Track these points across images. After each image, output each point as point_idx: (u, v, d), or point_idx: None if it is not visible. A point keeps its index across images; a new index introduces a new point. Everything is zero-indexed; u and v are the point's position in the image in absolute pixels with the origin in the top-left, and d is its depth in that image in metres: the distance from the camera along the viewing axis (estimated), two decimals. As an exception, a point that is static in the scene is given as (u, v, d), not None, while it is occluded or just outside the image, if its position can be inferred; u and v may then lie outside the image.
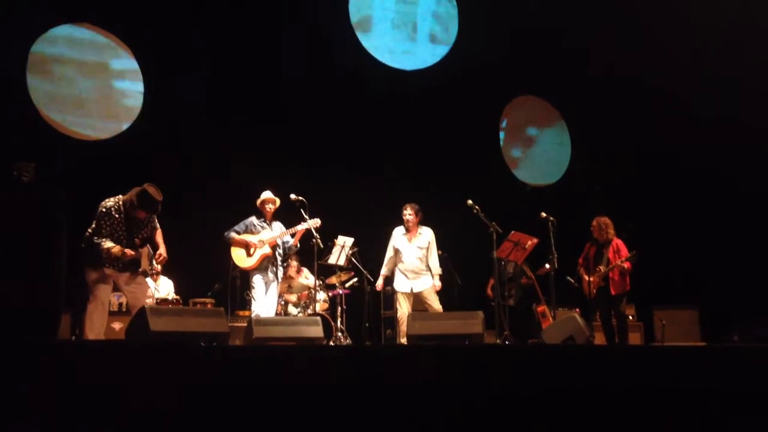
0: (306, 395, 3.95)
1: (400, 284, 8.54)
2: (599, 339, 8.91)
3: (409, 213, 8.52)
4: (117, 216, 6.37)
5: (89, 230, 6.41)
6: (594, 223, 8.71)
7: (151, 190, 6.42)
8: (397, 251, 8.57)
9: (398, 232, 8.64)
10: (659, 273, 10.16)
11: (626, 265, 8.40)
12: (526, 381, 4.45)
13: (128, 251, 6.30)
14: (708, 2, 11.06)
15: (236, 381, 3.90)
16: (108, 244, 6.25)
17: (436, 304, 8.46)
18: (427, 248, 8.54)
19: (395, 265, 8.57)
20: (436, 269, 8.56)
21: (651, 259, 8.84)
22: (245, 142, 9.93)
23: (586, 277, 8.59)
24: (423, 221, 8.64)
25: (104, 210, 6.37)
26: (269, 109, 10.25)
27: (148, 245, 6.68)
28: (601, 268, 8.50)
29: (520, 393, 4.33)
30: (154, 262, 6.73)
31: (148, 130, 9.78)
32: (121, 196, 6.47)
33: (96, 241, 6.27)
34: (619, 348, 7.46)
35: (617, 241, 8.61)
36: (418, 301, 8.52)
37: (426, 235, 8.59)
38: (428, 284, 8.47)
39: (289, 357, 4.37)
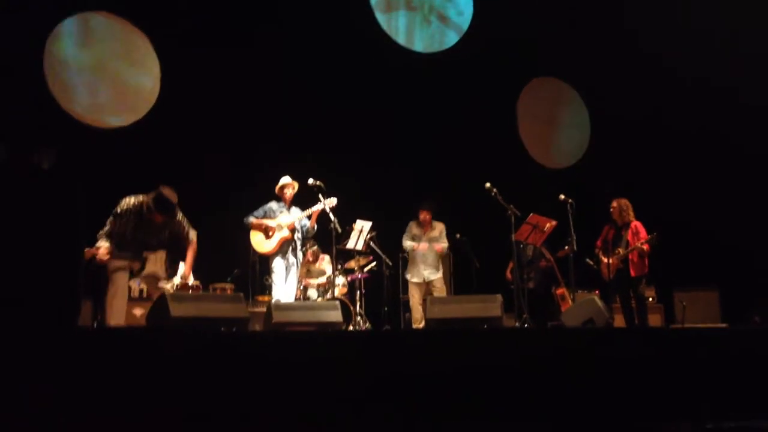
0: (329, 379, 3.97)
1: (414, 274, 9.28)
2: (619, 321, 8.88)
3: (423, 215, 9.35)
4: (130, 217, 6.41)
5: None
6: (614, 204, 8.64)
7: (166, 191, 6.44)
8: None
9: (413, 224, 9.46)
10: (679, 254, 10.09)
11: (645, 247, 8.34)
12: (546, 363, 4.45)
13: (101, 254, 6.26)
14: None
15: (257, 366, 3.93)
16: (101, 241, 6.31)
17: (443, 293, 9.18)
18: (438, 240, 9.34)
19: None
20: (443, 243, 9.38)
21: (671, 239, 8.77)
22: (263, 127, 9.93)
23: (605, 260, 8.54)
24: (439, 212, 9.51)
25: (119, 211, 6.43)
26: (286, 93, 10.21)
27: (164, 252, 6.64)
28: (621, 250, 8.45)
29: (539, 375, 4.33)
30: (165, 267, 6.69)
31: (166, 116, 9.79)
32: (142, 197, 6.49)
33: (98, 235, 6.36)
34: (638, 330, 7.44)
35: (636, 223, 8.55)
36: (427, 289, 9.23)
37: (438, 229, 9.43)
38: (438, 274, 9.26)
39: (309, 342, 4.39)
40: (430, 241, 9.26)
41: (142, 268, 6.51)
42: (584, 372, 4.31)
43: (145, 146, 9.40)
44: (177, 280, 9.05)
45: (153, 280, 6.64)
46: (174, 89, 9.92)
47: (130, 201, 6.45)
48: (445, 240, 9.37)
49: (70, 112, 9.45)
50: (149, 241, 6.54)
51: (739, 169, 10.95)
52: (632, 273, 8.43)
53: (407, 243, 9.36)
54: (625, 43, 11.55)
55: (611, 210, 8.64)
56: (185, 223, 6.73)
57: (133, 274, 6.53)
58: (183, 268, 6.83)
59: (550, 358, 4.51)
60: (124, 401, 3.35)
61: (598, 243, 8.73)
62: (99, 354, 3.46)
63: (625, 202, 8.64)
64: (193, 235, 6.75)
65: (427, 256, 9.23)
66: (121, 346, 3.55)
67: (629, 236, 8.44)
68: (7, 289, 4.20)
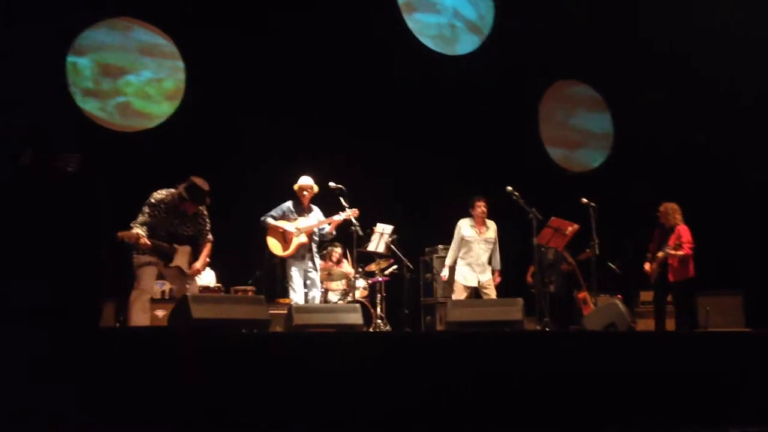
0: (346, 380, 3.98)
1: (467, 277, 8.58)
2: (647, 325, 8.85)
3: (482, 207, 8.59)
4: (163, 207, 6.49)
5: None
6: (662, 208, 8.52)
7: (198, 181, 6.55)
8: (465, 245, 8.61)
9: (465, 223, 8.70)
10: (703, 258, 10.00)
11: (681, 252, 8.22)
12: (567, 366, 4.43)
13: (143, 240, 6.28)
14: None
15: (277, 366, 3.94)
16: (136, 229, 6.33)
17: (494, 294, 8.52)
18: (494, 243, 8.66)
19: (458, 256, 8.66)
20: (498, 266, 8.68)
21: (694, 243, 8.69)
22: (285, 128, 9.96)
23: (648, 265, 8.46)
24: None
25: (153, 201, 6.50)
26: (309, 93, 10.23)
27: (189, 247, 6.70)
28: (661, 254, 8.35)
29: (561, 378, 4.31)
30: (189, 262, 6.72)
31: (188, 118, 9.87)
32: (173, 190, 6.58)
33: (131, 225, 6.40)
34: (660, 334, 7.38)
35: (681, 227, 8.41)
36: (476, 292, 8.57)
37: (492, 229, 8.69)
38: (489, 276, 8.57)
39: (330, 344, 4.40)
40: (486, 242, 8.60)
41: (170, 260, 6.56)
42: (606, 376, 4.29)
43: (166, 148, 9.47)
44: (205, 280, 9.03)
45: (179, 273, 6.66)
46: (197, 91, 9.99)
47: (162, 192, 6.57)
48: (498, 247, 8.71)
49: (92, 117, 9.55)
50: (180, 232, 6.61)
51: (765, 173, 10.84)
52: (671, 278, 8.32)
53: (446, 267, 8.74)
54: (648, 45, 11.50)
55: (658, 213, 8.54)
56: (208, 221, 6.81)
57: (165, 260, 6.53)
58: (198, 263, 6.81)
59: (572, 361, 4.49)
60: (144, 402, 3.38)
61: (650, 246, 8.63)
62: (121, 354, 3.49)
63: (672, 205, 8.52)
64: (211, 237, 6.82)
65: (482, 256, 8.57)
66: (143, 346, 3.58)
67: (671, 241, 8.35)
68: (31, 289, 4.25)
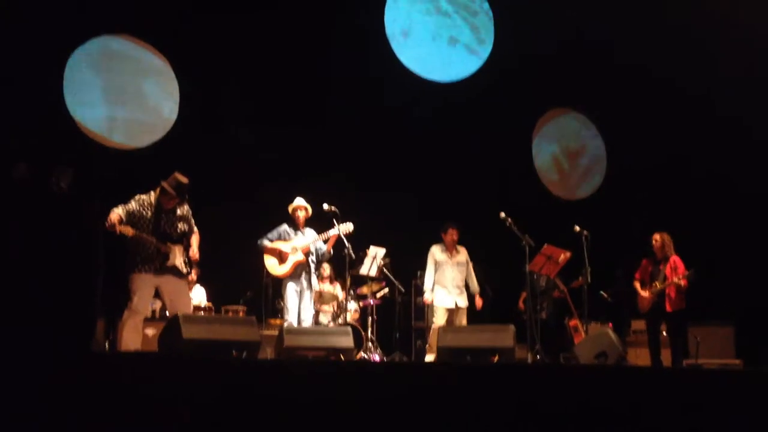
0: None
1: (444, 299, 8.86)
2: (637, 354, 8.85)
3: (453, 235, 8.96)
4: (146, 203, 6.56)
5: None
6: (657, 237, 8.48)
7: (177, 174, 6.66)
8: (438, 268, 8.93)
9: (437, 248, 9.05)
10: (694, 288, 10.01)
11: (683, 282, 8.22)
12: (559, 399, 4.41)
13: (111, 222, 6.24)
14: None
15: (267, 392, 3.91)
16: (114, 210, 6.36)
17: (464, 322, 8.83)
18: (466, 267, 9.00)
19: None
20: (476, 288, 9.05)
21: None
22: (278, 152, 9.97)
23: (642, 293, 8.44)
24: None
25: (134, 198, 6.59)
26: (302, 120, 10.26)
27: (181, 245, 6.72)
28: (657, 284, 8.33)
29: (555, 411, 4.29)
30: (184, 262, 6.73)
31: (183, 139, 9.86)
32: (152, 192, 6.68)
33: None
34: (650, 369, 7.37)
35: (675, 258, 8.40)
36: (451, 316, 8.85)
37: (463, 252, 9.05)
38: (465, 302, 8.89)
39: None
40: (458, 265, 8.93)
41: (167, 259, 6.55)
42: (595, 411, 4.27)
43: (161, 168, 9.44)
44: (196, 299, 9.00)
45: (175, 276, 6.64)
46: (192, 112, 10.00)
47: (142, 195, 6.64)
48: (472, 270, 9.08)
49: (87, 132, 9.53)
50: (170, 232, 6.64)
51: (757, 203, 10.87)
52: (668, 308, 8.28)
53: (428, 291, 8.95)
54: (641, 73, 11.54)
55: (653, 243, 8.50)
56: (191, 215, 6.89)
57: (161, 260, 6.52)
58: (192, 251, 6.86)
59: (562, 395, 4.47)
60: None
61: (636, 275, 8.62)
62: (109, 379, 3.46)
63: (667, 236, 8.51)
64: (196, 229, 6.92)
65: (456, 278, 8.87)
66: (132, 372, 3.56)
67: (667, 271, 8.32)
68: (23, 308, 4.22)
